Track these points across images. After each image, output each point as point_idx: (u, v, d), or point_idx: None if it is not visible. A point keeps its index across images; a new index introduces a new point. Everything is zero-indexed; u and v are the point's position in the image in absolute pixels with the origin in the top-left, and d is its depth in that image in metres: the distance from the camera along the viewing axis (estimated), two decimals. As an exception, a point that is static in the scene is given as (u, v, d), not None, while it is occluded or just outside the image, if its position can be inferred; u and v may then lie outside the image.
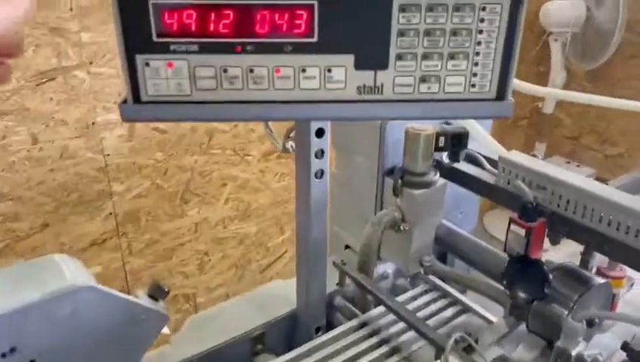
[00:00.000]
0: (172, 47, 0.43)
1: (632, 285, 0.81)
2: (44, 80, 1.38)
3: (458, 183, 0.85)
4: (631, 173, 0.84)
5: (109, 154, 1.54)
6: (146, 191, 1.65)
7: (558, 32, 2.37)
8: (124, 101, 0.44)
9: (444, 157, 0.85)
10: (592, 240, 0.69)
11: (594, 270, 0.79)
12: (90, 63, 1.44)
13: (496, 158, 0.81)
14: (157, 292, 0.62)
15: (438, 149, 0.81)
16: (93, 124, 1.49)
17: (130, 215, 1.65)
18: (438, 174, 0.83)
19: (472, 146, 0.85)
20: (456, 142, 0.79)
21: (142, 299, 0.62)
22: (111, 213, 1.60)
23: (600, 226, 0.68)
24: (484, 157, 0.85)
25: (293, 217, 0.75)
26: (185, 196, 1.74)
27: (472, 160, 0.85)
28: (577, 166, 0.78)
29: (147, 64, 0.44)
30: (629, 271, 0.79)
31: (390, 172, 0.86)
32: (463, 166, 0.84)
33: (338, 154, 0.96)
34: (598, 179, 0.84)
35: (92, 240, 1.60)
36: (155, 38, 0.43)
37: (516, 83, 0.73)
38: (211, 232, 1.86)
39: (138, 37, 0.43)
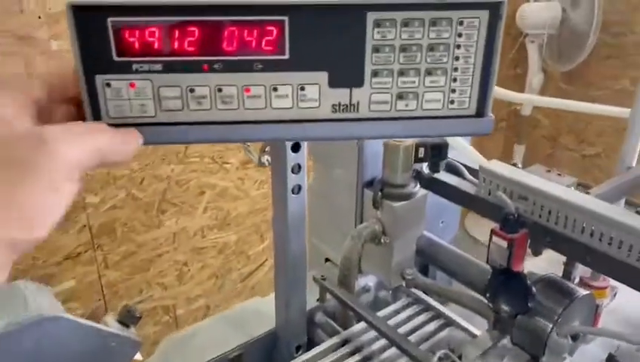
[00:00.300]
0: (134, 67, 0.41)
1: (615, 295, 0.81)
2: (12, 90, 1.33)
3: (439, 194, 0.83)
4: (610, 181, 0.84)
5: (82, 166, 1.50)
6: (122, 202, 1.61)
7: (535, 33, 2.38)
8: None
9: (424, 167, 0.84)
10: (575, 251, 0.68)
11: (577, 280, 0.78)
12: (60, 72, 1.40)
13: (476, 167, 0.80)
14: (127, 318, 0.60)
15: (417, 160, 0.79)
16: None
17: (106, 227, 1.61)
18: (419, 185, 0.81)
19: (452, 155, 0.84)
20: (436, 153, 0.77)
21: (112, 325, 0.60)
22: (85, 226, 1.56)
23: (582, 237, 0.67)
24: (465, 166, 0.84)
25: (273, 225, 0.73)
26: (162, 206, 1.71)
27: (453, 169, 0.84)
28: (558, 174, 0.77)
29: (108, 85, 0.41)
30: (612, 281, 0.78)
31: (369, 184, 0.85)
32: (443, 176, 0.82)
33: (316, 165, 0.94)
34: (580, 185, 0.83)
35: (66, 254, 1.55)
36: (115, 58, 0.40)
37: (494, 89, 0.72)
38: (190, 242, 1.82)
39: (97, 56, 0.40)
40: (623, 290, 0.74)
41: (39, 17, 1.34)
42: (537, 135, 2.75)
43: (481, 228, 2.36)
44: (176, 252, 1.81)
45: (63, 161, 0.31)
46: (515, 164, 0.79)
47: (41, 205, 0.30)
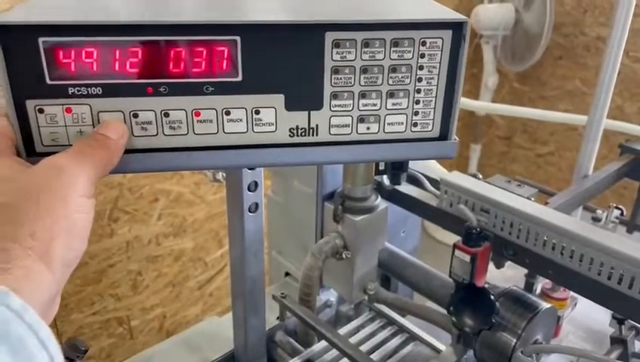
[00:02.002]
0: (70, 91, 0.37)
1: (575, 305, 0.81)
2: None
3: (400, 206, 0.82)
4: (568, 190, 0.84)
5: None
6: (71, 212, 1.54)
7: (489, 35, 2.42)
8: (17, 154, 0.37)
9: (385, 178, 0.82)
10: (537, 264, 0.68)
11: (538, 291, 0.78)
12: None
13: (437, 177, 0.79)
14: (73, 353, 0.55)
15: (378, 173, 0.77)
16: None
17: (54, 238, 1.53)
18: (380, 198, 0.79)
19: (413, 165, 0.83)
20: (397, 165, 0.75)
21: (55, 361, 0.55)
22: (32, 238, 1.48)
23: (544, 250, 0.67)
24: (426, 176, 0.82)
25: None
26: (113, 214, 1.64)
27: (414, 180, 0.82)
28: (518, 185, 0.76)
29: (40, 110, 0.37)
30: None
31: (330, 196, 0.82)
32: (404, 188, 0.81)
33: (275, 178, 0.91)
34: (541, 192, 0.83)
35: (12, 268, 1.47)
36: (48, 81, 0.36)
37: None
38: (144, 250, 1.76)
39: (28, 80, 0.36)
40: (583, 300, 0.74)
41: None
42: (492, 134, 2.80)
43: (442, 229, 2.38)
44: (130, 261, 1.74)
45: (83, 183, 0.34)
46: (475, 175, 0.78)
47: (80, 226, 0.34)
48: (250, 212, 0.65)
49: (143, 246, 1.75)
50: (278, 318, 0.79)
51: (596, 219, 0.84)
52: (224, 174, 0.68)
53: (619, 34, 0.81)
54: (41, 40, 0.35)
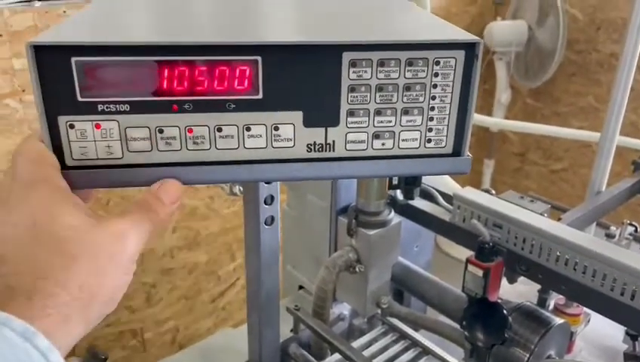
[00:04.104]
0: (100, 107, 0.39)
1: (588, 321, 0.81)
2: (-29, 111, 1.28)
3: (413, 220, 0.83)
4: (581, 206, 0.85)
5: (44, 188, 1.45)
6: (88, 225, 1.56)
7: (502, 51, 2.43)
8: None
9: (399, 193, 0.83)
10: (549, 279, 0.68)
11: (551, 307, 0.78)
12: (23, 91, 1.36)
13: (450, 193, 0.80)
14: (93, 361, 0.57)
15: (391, 187, 0.78)
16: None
17: (71, 250, 1.55)
18: (393, 212, 0.80)
19: (426, 180, 0.84)
20: (410, 180, 0.77)
21: (76, 369, 0.57)
22: (49, 249, 1.50)
23: (556, 266, 0.67)
24: (439, 192, 0.83)
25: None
26: (130, 227, 1.66)
27: (427, 195, 0.83)
28: (531, 201, 0.77)
29: (71, 126, 0.39)
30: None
31: (344, 211, 0.83)
32: (417, 203, 0.82)
33: (290, 192, 0.93)
34: (554, 208, 0.84)
35: (29, 279, 1.49)
36: (79, 98, 0.38)
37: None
38: (158, 263, 1.78)
39: (60, 97, 0.38)
40: (596, 316, 0.74)
41: (0, 35, 1.29)
42: (506, 150, 2.79)
43: (454, 244, 2.38)
44: (144, 274, 1.76)
45: (132, 250, 0.37)
46: (488, 191, 0.79)
47: (119, 287, 0.36)
48: (266, 225, 0.67)
49: (157, 258, 1.77)
50: (291, 331, 0.80)
51: (610, 236, 0.84)
52: (241, 188, 0.70)
53: (631, 50, 0.82)
54: (73, 60, 0.37)
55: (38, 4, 1.36)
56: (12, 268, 0.33)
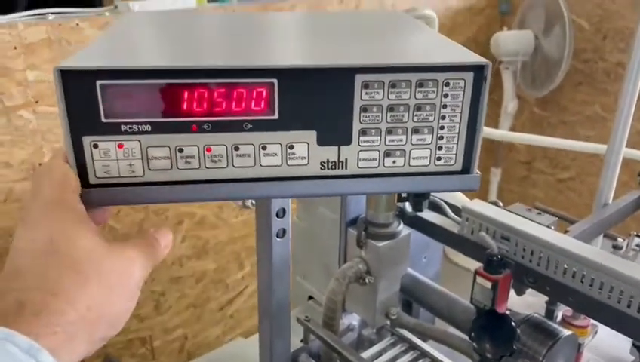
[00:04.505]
0: (122, 128, 0.41)
1: (596, 332, 0.82)
2: (-15, 122, 1.31)
3: (422, 232, 0.84)
4: (588, 218, 0.85)
5: (57, 197, 1.47)
6: (98, 233, 1.58)
7: (509, 60, 2.44)
8: None
9: (407, 205, 0.84)
10: (557, 292, 0.69)
11: (559, 318, 0.79)
12: (37, 102, 1.38)
13: (458, 204, 0.81)
14: (110, 371, 0.58)
15: (400, 200, 0.80)
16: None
17: (82, 259, 1.57)
18: (402, 224, 0.81)
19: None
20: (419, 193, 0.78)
21: (93, 378, 0.58)
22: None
23: (564, 278, 0.68)
24: (447, 203, 0.84)
25: (254, 251, 0.72)
26: (140, 236, 1.68)
27: (435, 207, 0.84)
28: (539, 213, 0.78)
29: (95, 146, 0.41)
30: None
31: (353, 222, 0.85)
32: (426, 215, 0.83)
33: (300, 204, 0.94)
34: (561, 218, 0.85)
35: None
36: (103, 119, 0.40)
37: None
38: (167, 272, 1.79)
39: (85, 118, 0.40)
40: (604, 328, 0.75)
41: (15, 48, 1.32)
42: (513, 159, 2.80)
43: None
44: (153, 282, 1.78)
45: (139, 276, 0.39)
46: (495, 203, 0.80)
47: (123, 312, 0.38)
48: (278, 237, 0.68)
49: (166, 267, 1.79)
50: (301, 341, 0.81)
51: (617, 247, 0.84)
52: (253, 201, 0.71)
53: (638, 60, 0.82)
54: (98, 83, 0.39)
55: (51, 17, 1.39)
56: (25, 282, 0.34)
